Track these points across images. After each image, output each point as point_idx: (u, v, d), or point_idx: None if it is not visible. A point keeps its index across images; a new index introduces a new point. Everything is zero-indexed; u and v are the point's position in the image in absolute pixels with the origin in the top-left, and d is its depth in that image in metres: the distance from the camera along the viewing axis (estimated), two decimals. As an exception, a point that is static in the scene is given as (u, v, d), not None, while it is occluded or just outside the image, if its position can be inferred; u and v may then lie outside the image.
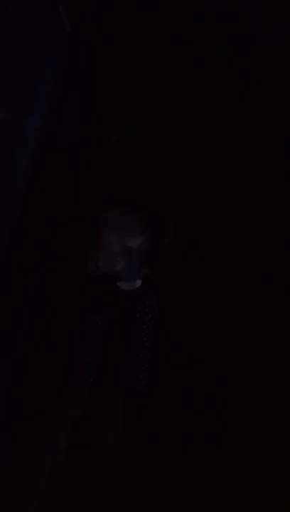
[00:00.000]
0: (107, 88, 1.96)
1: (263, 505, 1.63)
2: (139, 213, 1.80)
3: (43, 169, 1.79)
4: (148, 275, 1.79)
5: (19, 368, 1.74)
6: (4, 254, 1.70)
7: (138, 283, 1.79)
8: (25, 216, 1.74)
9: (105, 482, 1.68)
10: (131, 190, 1.82)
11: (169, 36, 1.92)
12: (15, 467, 1.68)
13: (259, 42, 1.86)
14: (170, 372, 1.79)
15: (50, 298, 1.81)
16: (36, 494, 1.64)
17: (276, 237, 1.89)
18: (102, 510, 1.65)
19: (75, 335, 1.78)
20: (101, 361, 1.78)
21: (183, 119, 1.96)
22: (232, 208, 1.92)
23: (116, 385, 1.78)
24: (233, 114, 1.94)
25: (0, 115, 1.66)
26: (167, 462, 1.69)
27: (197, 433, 1.72)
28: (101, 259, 1.79)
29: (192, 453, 1.70)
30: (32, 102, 1.76)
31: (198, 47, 1.92)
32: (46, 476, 1.66)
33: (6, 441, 1.69)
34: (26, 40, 1.71)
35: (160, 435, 1.72)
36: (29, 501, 1.63)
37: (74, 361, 1.77)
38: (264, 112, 1.90)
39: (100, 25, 1.93)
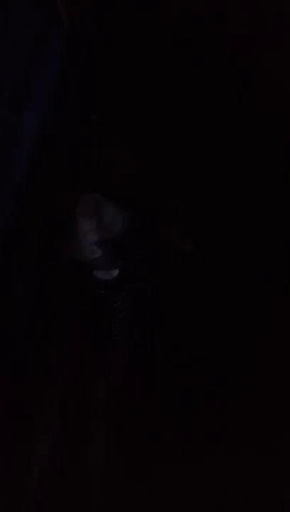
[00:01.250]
0: (107, 88, 1.96)
1: (263, 505, 1.63)
2: (117, 203, 1.79)
3: (42, 169, 1.79)
4: (124, 266, 1.78)
5: (19, 368, 1.74)
6: (2, 254, 1.70)
7: (115, 272, 1.77)
8: (24, 216, 1.75)
9: (105, 482, 1.68)
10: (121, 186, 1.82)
11: (169, 36, 1.93)
12: (15, 468, 1.68)
13: (259, 42, 1.86)
14: (170, 373, 1.78)
15: (50, 296, 1.81)
16: (36, 494, 1.64)
17: (276, 237, 1.89)
18: (102, 510, 1.65)
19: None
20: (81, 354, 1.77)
21: (183, 118, 1.97)
22: (231, 208, 1.92)
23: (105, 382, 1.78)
24: (233, 114, 1.94)
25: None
26: (167, 462, 1.69)
27: (197, 433, 1.72)
28: (77, 248, 1.77)
29: (192, 453, 1.69)
30: (32, 102, 1.76)
31: (198, 47, 1.92)
32: (45, 475, 1.66)
33: (6, 442, 1.69)
34: (26, 40, 1.71)
35: (160, 435, 1.72)
36: (28, 502, 1.63)
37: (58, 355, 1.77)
38: (264, 112, 1.91)
39: (100, 25, 1.94)
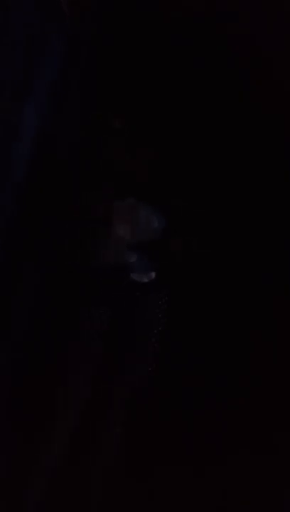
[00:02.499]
0: (107, 88, 1.96)
1: (263, 505, 1.63)
2: (150, 205, 1.79)
3: (42, 169, 1.78)
4: (157, 269, 1.78)
5: (19, 368, 1.73)
6: (2, 254, 1.70)
7: (153, 275, 1.77)
8: (24, 216, 1.74)
9: (105, 482, 1.68)
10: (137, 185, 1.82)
11: (169, 36, 1.92)
12: (14, 468, 1.68)
13: (259, 42, 1.86)
14: (170, 372, 1.78)
15: (51, 296, 1.80)
16: (35, 495, 1.64)
17: (276, 237, 1.88)
18: (102, 510, 1.65)
19: (78, 330, 1.77)
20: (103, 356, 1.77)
21: (183, 119, 1.96)
22: (231, 208, 1.92)
23: (117, 382, 1.78)
24: (233, 114, 1.94)
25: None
26: (167, 462, 1.69)
27: (197, 433, 1.72)
28: (113, 251, 1.77)
29: (192, 453, 1.70)
30: (32, 102, 1.76)
31: (198, 47, 1.92)
32: (45, 476, 1.66)
33: (6, 442, 1.69)
34: (26, 40, 1.71)
35: (160, 435, 1.72)
36: (28, 502, 1.63)
37: (75, 355, 1.76)
38: (264, 112, 1.90)
39: (100, 25, 1.93)
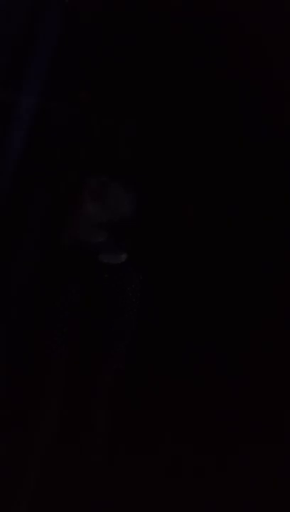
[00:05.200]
0: (107, 88, 1.97)
1: (263, 505, 1.63)
2: (124, 184, 1.74)
3: (38, 149, 1.77)
4: (130, 249, 1.70)
5: (19, 367, 1.73)
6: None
7: (124, 257, 1.70)
8: (21, 199, 1.73)
9: (105, 481, 1.67)
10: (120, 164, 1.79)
11: (169, 36, 1.93)
12: (13, 467, 1.67)
13: (260, 42, 1.87)
14: (169, 372, 1.78)
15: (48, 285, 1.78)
16: (34, 493, 1.64)
17: (276, 236, 1.89)
18: (102, 509, 1.65)
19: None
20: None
21: (182, 119, 1.97)
22: (231, 208, 1.93)
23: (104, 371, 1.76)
24: (233, 114, 1.94)
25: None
26: (167, 462, 1.69)
27: (197, 433, 1.71)
28: (82, 231, 1.71)
29: (191, 452, 1.69)
30: (31, 99, 1.77)
31: (198, 47, 1.93)
32: (43, 474, 1.66)
33: (5, 442, 1.69)
34: (26, 37, 1.72)
35: (160, 435, 1.72)
36: (26, 500, 1.63)
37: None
38: (264, 112, 1.91)
39: (100, 24, 1.94)
